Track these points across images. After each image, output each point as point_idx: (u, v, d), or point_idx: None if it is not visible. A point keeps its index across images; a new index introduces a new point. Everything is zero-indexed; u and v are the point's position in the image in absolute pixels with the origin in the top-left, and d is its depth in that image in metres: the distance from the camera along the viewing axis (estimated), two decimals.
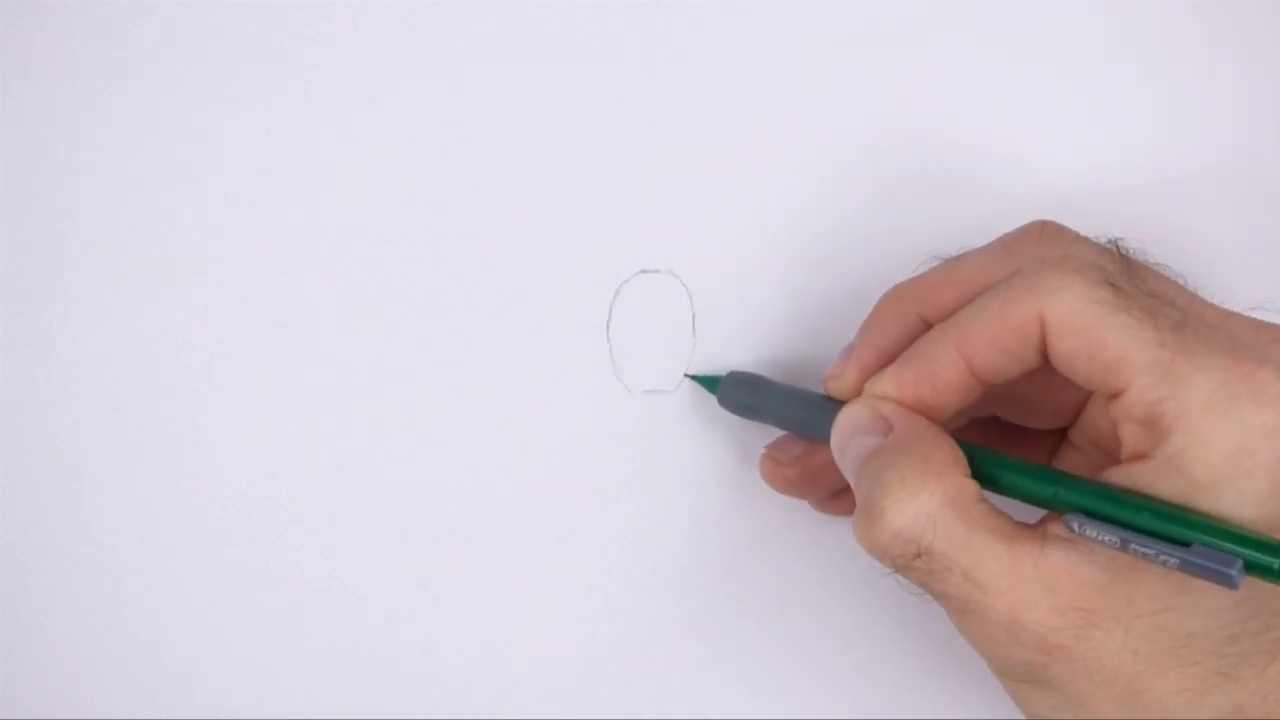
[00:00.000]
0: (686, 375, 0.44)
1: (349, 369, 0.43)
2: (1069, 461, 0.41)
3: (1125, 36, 0.46)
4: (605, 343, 0.44)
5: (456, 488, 0.44)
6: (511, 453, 0.44)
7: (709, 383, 0.44)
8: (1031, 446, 0.42)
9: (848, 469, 0.38)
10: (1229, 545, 0.32)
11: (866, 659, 0.47)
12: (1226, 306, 0.38)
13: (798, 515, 0.45)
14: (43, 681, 0.42)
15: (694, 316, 0.44)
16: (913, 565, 0.35)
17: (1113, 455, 0.36)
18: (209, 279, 0.42)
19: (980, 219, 0.42)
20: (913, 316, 0.39)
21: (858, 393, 0.39)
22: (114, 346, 0.41)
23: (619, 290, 0.44)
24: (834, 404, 0.39)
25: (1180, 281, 0.38)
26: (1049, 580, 0.34)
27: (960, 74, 0.46)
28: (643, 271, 0.44)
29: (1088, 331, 0.34)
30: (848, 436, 0.38)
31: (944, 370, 0.37)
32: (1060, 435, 0.41)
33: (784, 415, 0.42)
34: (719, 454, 0.45)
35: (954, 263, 0.39)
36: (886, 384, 0.38)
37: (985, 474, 0.37)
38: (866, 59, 0.45)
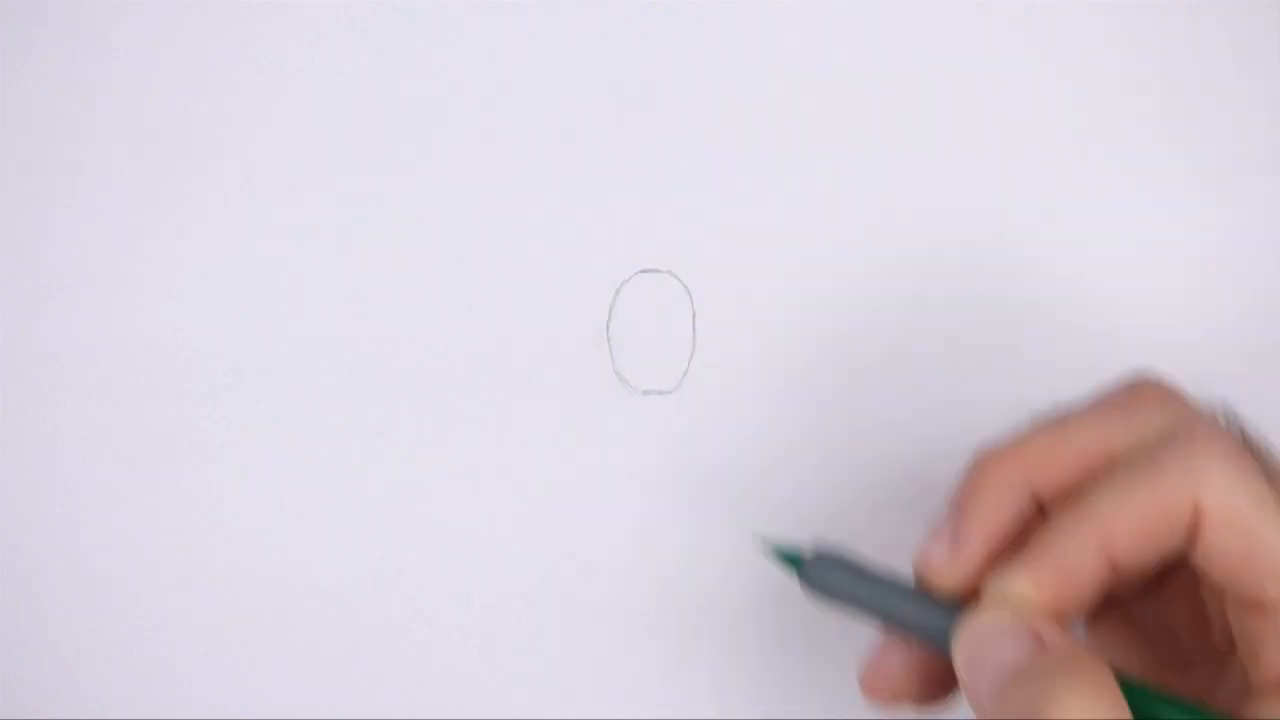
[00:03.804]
0: (768, 545, 0.37)
1: (348, 368, 0.43)
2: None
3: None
4: (605, 343, 0.44)
5: (456, 487, 0.43)
6: (511, 452, 0.44)
7: (789, 558, 0.36)
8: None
9: (984, 684, 0.31)
10: None
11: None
12: None
13: (798, 514, 0.45)
14: (43, 681, 0.42)
15: (694, 316, 0.44)
16: None
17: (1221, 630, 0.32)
18: (211, 279, 0.42)
19: (975, 215, 0.42)
20: (1022, 492, 0.33)
21: (971, 590, 0.33)
22: (114, 347, 0.41)
23: (619, 290, 0.44)
24: (951, 604, 0.33)
25: None
26: None
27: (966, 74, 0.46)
28: (643, 271, 0.44)
29: (1247, 530, 0.30)
30: (983, 647, 0.32)
31: (1085, 567, 0.31)
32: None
33: (889, 613, 0.34)
34: (719, 454, 0.45)
35: (1062, 427, 0.33)
36: (1023, 586, 0.32)
37: (1143, 715, 0.31)
38: (866, 57, 0.45)
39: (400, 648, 0.44)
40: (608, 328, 0.44)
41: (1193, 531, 0.31)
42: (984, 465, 0.34)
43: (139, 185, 0.41)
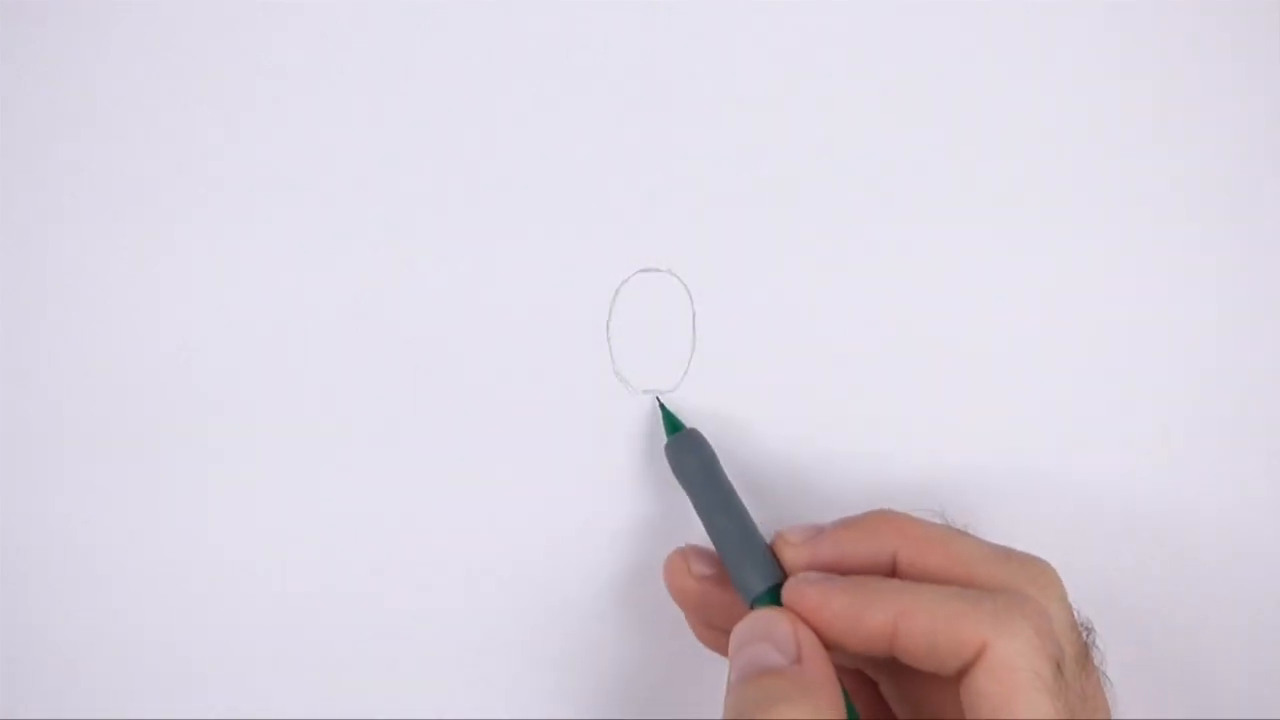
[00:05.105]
0: (659, 402, 0.43)
1: (349, 368, 0.43)
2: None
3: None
4: (605, 343, 0.44)
5: (456, 487, 0.44)
6: (511, 452, 0.44)
7: (670, 423, 0.42)
8: None
9: (739, 659, 0.36)
10: None
11: None
12: None
13: (796, 513, 0.45)
14: (43, 681, 0.42)
15: (694, 316, 0.44)
16: None
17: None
18: (211, 279, 0.42)
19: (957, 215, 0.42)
20: (888, 554, 0.38)
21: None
22: (114, 347, 0.41)
23: (619, 290, 0.44)
24: (771, 567, 0.38)
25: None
26: None
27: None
28: (643, 271, 0.44)
29: (1015, 692, 0.34)
30: (756, 635, 0.36)
31: (872, 622, 0.35)
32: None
33: (718, 529, 0.40)
34: (718, 453, 0.45)
35: (958, 538, 0.38)
36: (813, 596, 0.36)
37: None
38: (865, 57, 0.45)
39: (400, 647, 0.44)
40: (608, 328, 0.44)
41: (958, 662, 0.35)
42: (880, 519, 0.39)
43: (139, 185, 0.41)
